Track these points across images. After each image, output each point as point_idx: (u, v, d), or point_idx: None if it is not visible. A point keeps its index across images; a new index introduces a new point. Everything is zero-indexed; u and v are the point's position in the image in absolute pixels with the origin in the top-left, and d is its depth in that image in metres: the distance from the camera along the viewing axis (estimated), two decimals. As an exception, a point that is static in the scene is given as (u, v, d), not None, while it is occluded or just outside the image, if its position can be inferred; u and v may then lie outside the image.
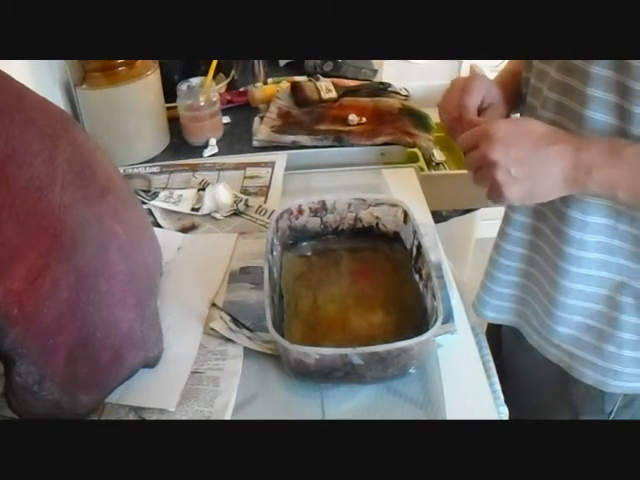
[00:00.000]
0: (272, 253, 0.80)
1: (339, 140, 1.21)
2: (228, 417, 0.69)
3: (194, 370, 0.75)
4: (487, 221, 2.05)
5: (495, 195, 0.68)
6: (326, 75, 1.45)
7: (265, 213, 1.02)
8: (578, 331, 0.82)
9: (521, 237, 0.85)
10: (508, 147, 0.65)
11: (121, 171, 1.01)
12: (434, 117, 1.32)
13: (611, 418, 0.83)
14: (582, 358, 0.82)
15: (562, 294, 0.80)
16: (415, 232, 0.81)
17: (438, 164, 1.31)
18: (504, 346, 0.98)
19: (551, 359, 0.86)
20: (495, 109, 0.80)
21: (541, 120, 0.71)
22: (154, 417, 0.70)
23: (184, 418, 0.69)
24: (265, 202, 1.05)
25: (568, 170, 0.65)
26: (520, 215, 0.84)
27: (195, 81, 1.27)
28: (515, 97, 0.83)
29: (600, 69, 0.66)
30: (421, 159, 1.25)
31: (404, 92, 1.39)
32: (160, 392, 0.72)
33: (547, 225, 0.80)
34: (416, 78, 1.94)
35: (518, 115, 0.86)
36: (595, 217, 0.74)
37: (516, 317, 0.91)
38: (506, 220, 0.87)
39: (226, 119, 1.33)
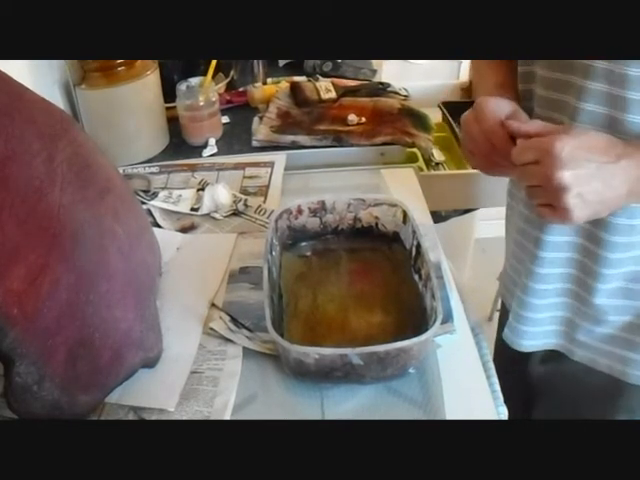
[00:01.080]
0: (271, 253, 0.80)
1: (338, 140, 1.21)
2: (227, 417, 0.69)
3: (193, 370, 0.75)
4: (486, 221, 2.06)
5: (560, 217, 0.65)
6: (325, 75, 1.46)
7: (264, 213, 1.02)
8: (630, 333, 0.79)
9: (556, 257, 0.80)
10: (576, 168, 0.62)
11: (120, 171, 1.01)
12: (433, 117, 1.33)
13: None
14: (637, 361, 0.80)
15: (604, 297, 0.77)
16: (414, 232, 0.81)
17: (437, 164, 1.31)
18: (535, 372, 0.94)
19: (602, 370, 0.83)
20: (517, 117, 0.75)
21: None
22: (154, 417, 0.70)
23: (183, 418, 0.69)
24: (264, 202, 1.05)
25: (633, 184, 0.63)
26: (555, 235, 0.79)
27: (194, 81, 1.27)
28: None
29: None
30: (420, 159, 1.25)
31: (403, 92, 1.39)
32: (159, 392, 0.72)
33: (587, 238, 0.76)
34: (416, 78, 1.95)
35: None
36: None
37: (556, 339, 0.87)
38: (537, 243, 0.80)
39: (225, 119, 1.33)
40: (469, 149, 0.77)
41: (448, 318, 0.79)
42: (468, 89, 1.63)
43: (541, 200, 0.66)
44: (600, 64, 0.66)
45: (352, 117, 1.26)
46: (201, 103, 1.22)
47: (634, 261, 0.75)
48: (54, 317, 0.60)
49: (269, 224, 0.84)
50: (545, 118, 0.75)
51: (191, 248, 0.95)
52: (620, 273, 0.76)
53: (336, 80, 1.41)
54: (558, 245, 0.79)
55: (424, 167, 1.25)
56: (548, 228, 0.78)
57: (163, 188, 1.10)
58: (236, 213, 1.03)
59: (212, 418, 0.69)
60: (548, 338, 0.87)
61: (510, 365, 0.89)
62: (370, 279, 0.84)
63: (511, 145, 0.69)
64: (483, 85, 0.84)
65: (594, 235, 0.75)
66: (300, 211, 0.87)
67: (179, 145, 1.26)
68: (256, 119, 1.30)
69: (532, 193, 0.67)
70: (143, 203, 1.03)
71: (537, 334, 0.87)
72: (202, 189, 1.06)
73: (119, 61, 1.15)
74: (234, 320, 0.81)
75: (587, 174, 0.62)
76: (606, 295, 0.78)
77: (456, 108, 1.43)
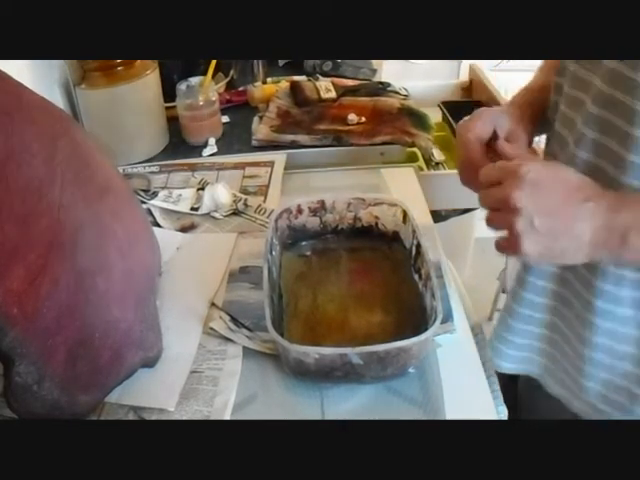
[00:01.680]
0: (271, 253, 0.80)
1: (338, 140, 1.21)
2: (227, 417, 0.69)
3: (193, 370, 0.75)
4: (486, 221, 2.05)
5: (510, 245, 0.60)
6: (325, 75, 1.46)
7: (264, 212, 1.02)
8: (607, 389, 0.75)
9: (544, 286, 0.76)
10: (536, 194, 0.57)
11: (120, 171, 1.01)
12: (433, 117, 1.33)
13: None
14: (612, 415, 0.75)
15: (590, 349, 0.72)
16: (414, 231, 0.81)
17: (437, 164, 1.31)
18: (520, 394, 0.92)
19: (577, 412, 0.79)
20: (514, 139, 0.73)
21: (576, 159, 0.65)
22: (153, 417, 0.70)
23: (183, 418, 0.69)
24: (264, 202, 1.05)
25: (598, 231, 0.57)
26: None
27: (194, 81, 1.27)
28: (543, 116, 0.76)
29: None
30: (420, 159, 1.25)
31: (403, 92, 1.39)
32: (159, 392, 0.72)
33: (575, 276, 0.72)
34: (416, 78, 1.95)
35: (543, 139, 0.77)
36: (632, 272, 0.66)
37: (535, 368, 0.83)
38: (525, 266, 0.77)
39: (225, 118, 1.33)
40: (458, 158, 0.76)
41: (448, 318, 0.79)
42: (468, 89, 1.63)
43: (496, 224, 0.61)
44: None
45: (352, 117, 1.26)
46: (201, 103, 1.22)
47: (621, 320, 0.69)
48: (54, 317, 0.60)
49: (269, 224, 0.84)
50: (558, 134, 0.72)
51: (191, 248, 0.95)
52: (610, 330, 0.70)
53: (336, 80, 1.41)
54: (547, 274, 0.75)
55: (424, 167, 1.25)
56: None
57: (163, 187, 1.10)
58: (236, 213, 1.03)
59: (212, 418, 0.69)
60: (529, 365, 0.83)
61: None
62: (370, 279, 0.84)
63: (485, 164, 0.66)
64: (530, 83, 0.81)
65: (582, 275, 0.70)
66: (300, 210, 0.87)
67: (179, 145, 1.26)
68: (256, 119, 1.30)
69: (490, 218, 0.62)
70: (143, 202, 1.03)
71: (518, 359, 0.83)
72: (202, 189, 1.06)
73: (119, 61, 1.15)
74: (234, 320, 0.81)
75: (545, 205, 0.58)
76: (593, 346, 0.72)
77: (456, 108, 1.43)
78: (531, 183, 0.58)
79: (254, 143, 1.23)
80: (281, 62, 1.60)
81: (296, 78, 1.42)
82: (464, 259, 1.93)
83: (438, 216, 1.28)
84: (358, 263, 0.87)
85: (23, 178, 0.61)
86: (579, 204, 0.58)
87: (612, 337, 0.71)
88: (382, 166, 1.17)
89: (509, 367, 0.85)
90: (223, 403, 0.71)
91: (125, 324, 0.70)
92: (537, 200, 0.57)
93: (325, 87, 1.34)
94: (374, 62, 1.57)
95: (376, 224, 0.89)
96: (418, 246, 0.80)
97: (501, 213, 0.60)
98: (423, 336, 0.66)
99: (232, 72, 1.44)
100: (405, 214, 0.85)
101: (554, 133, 0.73)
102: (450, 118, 1.42)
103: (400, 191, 1.05)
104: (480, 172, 0.63)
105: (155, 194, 1.06)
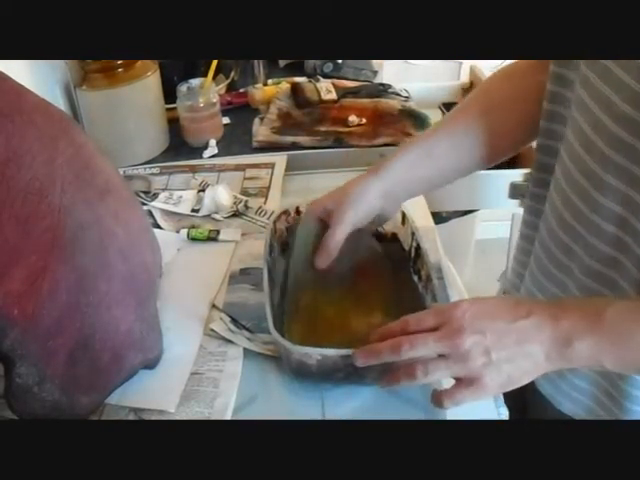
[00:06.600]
0: (271, 254, 0.80)
1: (339, 141, 1.21)
2: (228, 418, 0.69)
3: (194, 371, 0.75)
4: (487, 222, 2.06)
5: (468, 388, 0.57)
6: (326, 76, 1.45)
7: (265, 214, 1.02)
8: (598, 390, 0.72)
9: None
10: (480, 330, 0.56)
11: (121, 172, 1.01)
12: (434, 118, 1.33)
13: None
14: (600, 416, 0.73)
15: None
16: (413, 233, 0.81)
17: (438, 165, 1.31)
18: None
19: (566, 412, 0.76)
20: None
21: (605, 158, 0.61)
22: (154, 418, 0.69)
23: (184, 419, 0.69)
24: (265, 203, 1.05)
25: (548, 343, 0.56)
26: None
27: (195, 82, 1.27)
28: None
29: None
30: (421, 160, 1.25)
31: (404, 93, 1.39)
32: (160, 393, 0.72)
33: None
34: (417, 79, 1.95)
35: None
36: None
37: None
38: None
39: (226, 120, 1.33)
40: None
41: (449, 319, 0.78)
42: (469, 90, 1.63)
43: (443, 372, 0.58)
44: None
45: (353, 118, 1.26)
46: (201, 104, 1.22)
47: None
48: (54, 318, 0.60)
49: (267, 226, 0.84)
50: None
51: (191, 249, 0.96)
52: None
53: (337, 81, 1.41)
54: None
55: (425, 168, 1.25)
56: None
57: (164, 189, 1.10)
58: (236, 214, 1.03)
59: (213, 419, 0.69)
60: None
61: None
62: (370, 280, 0.84)
63: None
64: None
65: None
66: (298, 212, 0.87)
67: (180, 146, 1.26)
68: (257, 120, 1.30)
69: (431, 369, 0.58)
70: (144, 204, 1.03)
71: None
72: (203, 190, 1.06)
73: (119, 62, 1.15)
74: (234, 321, 0.81)
75: (494, 336, 0.56)
76: None
77: (457, 109, 1.43)
78: (472, 320, 0.57)
79: (255, 145, 1.23)
80: (282, 63, 1.60)
81: (297, 79, 1.42)
82: (465, 261, 1.93)
83: (439, 218, 1.28)
84: (358, 265, 0.87)
85: (24, 180, 0.61)
86: (523, 322, 0.56)
87: None
88: (383, 167, 1.16)
89: None
90: (224, 405, 0.71)
91: (125, 325, 0.70)
92: (485, 335, 0.56)
93: (326, 88, 1.34)
94: (375, 63, 1.57)
95: (376, 225, 0.88)
96: (417, 248, 0.80)
97: (447, 361, 0.57)
98: (424, 337, 0.66)
99: (233, 74, 1.44)
100: (404, 216, 0.85)
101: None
102: (451, 119, 1.42)
103: (401, 192, 1.05)
104: (409, 319, 0.62)
105: (155, 196, 1.06)
